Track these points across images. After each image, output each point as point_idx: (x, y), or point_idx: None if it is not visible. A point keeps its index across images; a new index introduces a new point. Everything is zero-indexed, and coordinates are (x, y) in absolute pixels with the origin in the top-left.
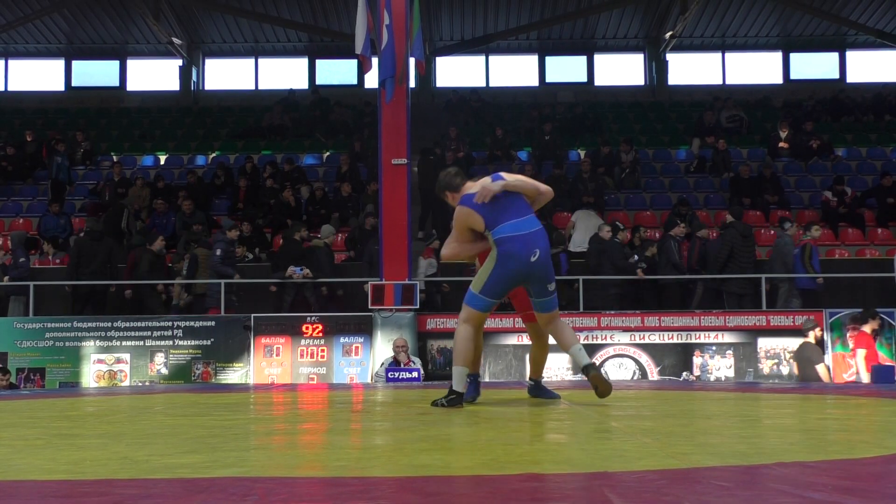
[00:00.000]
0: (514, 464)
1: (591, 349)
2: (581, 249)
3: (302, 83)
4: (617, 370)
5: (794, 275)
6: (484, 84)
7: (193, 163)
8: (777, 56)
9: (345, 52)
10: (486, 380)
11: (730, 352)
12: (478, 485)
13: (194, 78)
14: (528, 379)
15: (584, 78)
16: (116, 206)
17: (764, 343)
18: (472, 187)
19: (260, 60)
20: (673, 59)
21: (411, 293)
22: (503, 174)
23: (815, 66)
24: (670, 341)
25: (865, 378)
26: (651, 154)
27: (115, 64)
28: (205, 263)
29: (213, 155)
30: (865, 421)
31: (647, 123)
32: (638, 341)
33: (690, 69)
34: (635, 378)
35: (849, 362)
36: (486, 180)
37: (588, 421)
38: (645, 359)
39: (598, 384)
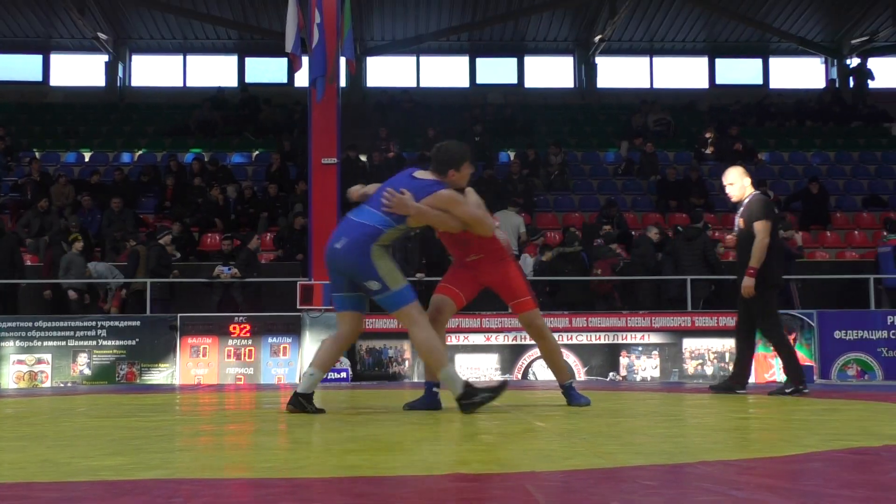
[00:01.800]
0: (442, 464)
1: (518, 350)
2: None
3: (231, 81)
4: (544, 371)
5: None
6: (415, 84)
7: (119, 160)
8: (703, 61)
9: (275, 50)
10: (415, 380)
11: (656, 352)
12: (406, 485)
13: (121, 74)
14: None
15: (514, 80)
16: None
17: (689, 343)
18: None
19: (188, 57)
20: (602, 62)
21: None
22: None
23: (739, 71)
24: (598, 342)
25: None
26: (580, 156)
27: (38, 58)
28: (144, 261)
29: (140, 152)
30: (786, 420)
31: (577, 126)
32: (566, 342)
33: (619, 73)
34: None
35: (770, 362)
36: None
37: (516, 421)
38: (573, 359)
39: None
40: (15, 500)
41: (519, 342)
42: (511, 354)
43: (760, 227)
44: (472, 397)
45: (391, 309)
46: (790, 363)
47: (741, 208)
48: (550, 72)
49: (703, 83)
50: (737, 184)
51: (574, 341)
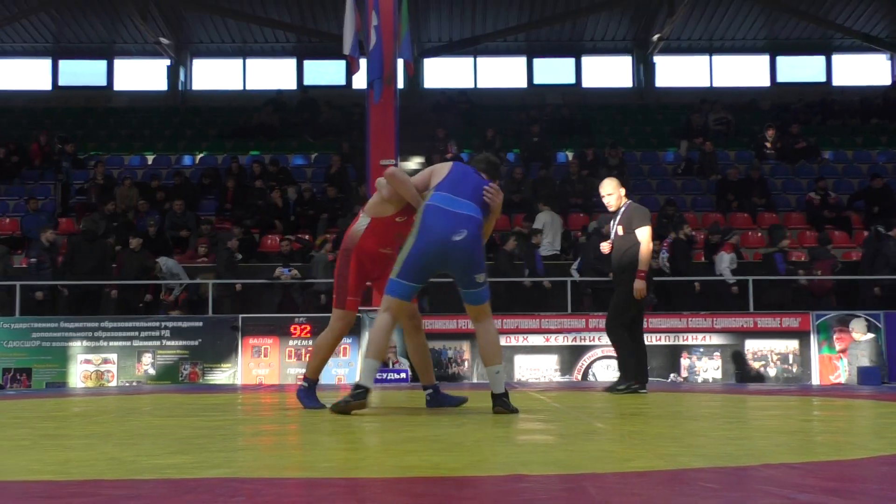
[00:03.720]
0: (503, 465)
1: (578, 350)
2: (553, 252)
3: (290, 84)
4: (604, 372)
5: (776, 278)
6: (472, 85)
7: (181, 163)
8: (764, 59)
9: (333, 52)
10: (474, 381)
11: (717, 353)
12: (465, 486)
13: (182, 78)
14: (423, 388)
15: (572, 80)
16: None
17: (751, 345)
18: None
19: (248, 61)
20: (660, 61)
21: None
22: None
23: (801, 69)
24: (658, 343)
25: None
26: (639, 156)
27: (103, 63)
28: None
29: (201, 155)
30: (852, 422)
31: (635, 125)
32: None
33: (678, 72)
34: None
35: (835, 364)
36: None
37: (575, 422)
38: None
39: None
40: (84, 496)
41: (579, 343)
42: (571, 355)
43: (643, 233)
44: (357, 395)
45: (480, 302)
46: (626, 362)
47: (618, 216)
48: (608, 71)
49: (765, 81)
50: (614, 194)
51: None
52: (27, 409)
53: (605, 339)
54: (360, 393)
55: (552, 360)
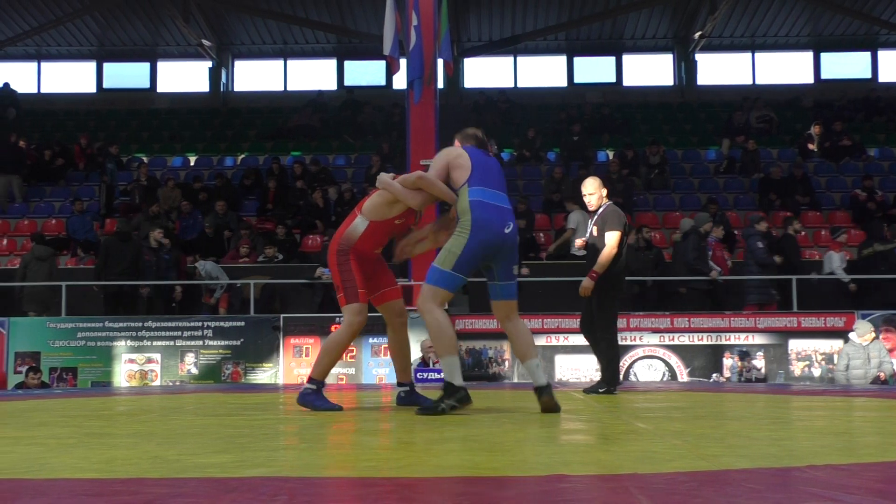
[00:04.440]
0: (543, 465)
1: (621, 349)
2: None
3: (330, 84)
4: (646, 371)
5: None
6: (512, 85)
7: (222, 164)
8: (808, 56)
9: (373, 53)
10: (515, 380)
11: (760, 353)
12: (506, 486)
13: (223, 79)
14: (396, 385)
15: (612, 78)
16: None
17: (795, 345)
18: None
19: (288, 62)
20: (702, 59)
21: None
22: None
23: (846, 65)
24: (700, 343)
25: None
26: (680, 155)
27: (146, 66)
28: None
29: (242, 156)
30: None
31: (676, 124)
32: (667, 342)
33: (720, 69)
34: (664, 379)
35: None
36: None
37: (617, 422)
38: (674, 360)
39: (548, 409)
40: (127, 494)
41: (620, 343)
42: None
43: (610, 237)
44: (461, 399)
45: (515, 296)
46: (609, 366)
47: (595, 216)
48: (649, 70)
49: (808, 78)
50: (596, 193)
51: (675, 342)
52: (73, 408)
53: (647, 339)
54: (464, 396)
55: (593, 360)
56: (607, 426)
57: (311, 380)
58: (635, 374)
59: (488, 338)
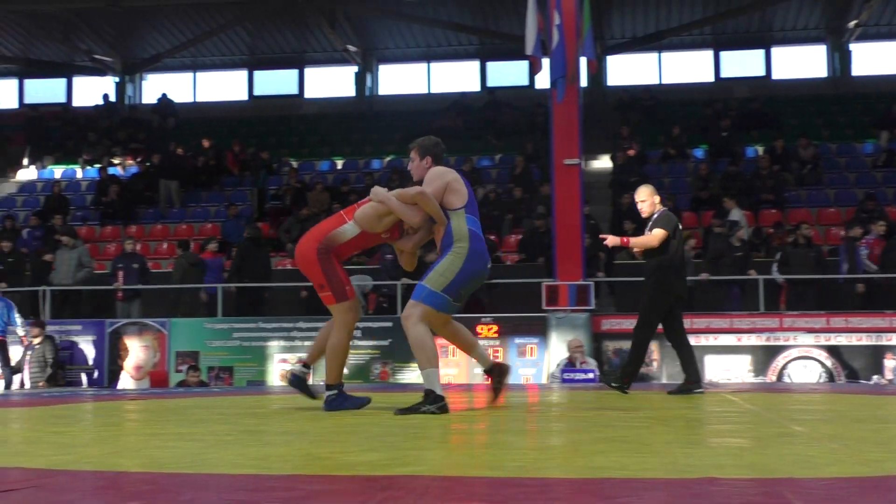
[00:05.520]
0: (695, 467)
1: (772, 351)
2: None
3: (473, 86)
4: (801, 372)
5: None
6: (656, 81)
7: (369, 166)
8: None
9: (515, 53)
10: (663, 381)
11: None
12: (657, 488)
13: (368, 83)
14: (302, 364)
15: (761, 72)
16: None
17: None
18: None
19: (432, 64)
20: (857, 49)
21: (586, 294)
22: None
23: None
24: (859, 343)
25: None
26: (834, 148)
27: (294, 73)
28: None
29: (388, 159)
30: None
31: (830, 117)
32: (823, 343)
33: (877, 59)
34: (821, 381)
35: None
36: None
37: (770, 425)
38: (831, 361)
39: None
40: (282, 490)
41: (772, 343)
42: (764, 356)
43: (655, 233)
44: (441, 407)
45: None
46: (632, 365)
47: (650, 222)
48: (800, 62)
49: None
50: (647, 201)
51: (832, 342)
52: (230, 406)
53: (801, 339)
54: (443, 405)
55: (745, 361)
56: (760, 429)
57: (329, 387)
58: (789, 375)
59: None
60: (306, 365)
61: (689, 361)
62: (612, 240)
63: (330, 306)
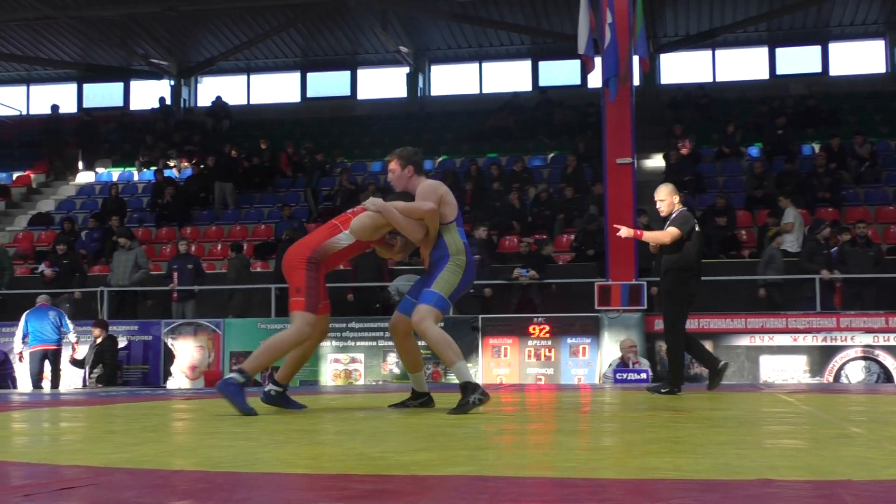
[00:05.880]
0: (749, 468)
1: (828, 351)
2: (795, 249)
3: (525, 85)
4: (859, 373)
5: None
6: (710, 79)
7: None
8: None
9: (567, 52)
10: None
11: None
12: (711, 489)
13: (420, 84)
14: (271, 383)
15: (817, 68)
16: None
17: None
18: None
19: (484, 64)
20: None
21: (638, 294)
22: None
23: None
24: None
25: None
26: (893, 146)
27: (347, 74)
28: None
29: (440, 159)
30: None
31: (890, 114)
32: (882, 343)
33: None
34: (879, 381)
35: None
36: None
37: (827, 426)
38: (890, 361)
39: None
40: (335, 490)
41: (829, 343)
42: (821, 356)
43: (669, 230)
44: (483, 395)
45: None
46: (675, 369)
47: (668, 222)
48: (858, 57)
49: None
50: (666, 200)
51: (891, 342)
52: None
53: (859, 339)
54: (483, 391)
55: (800, 361)
56: (817, 430)
57: (241, 371)
58: (846, 376)
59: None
60: (277, 383)
61: (679, 363)
62: (625, 231)
63: (294, 311)
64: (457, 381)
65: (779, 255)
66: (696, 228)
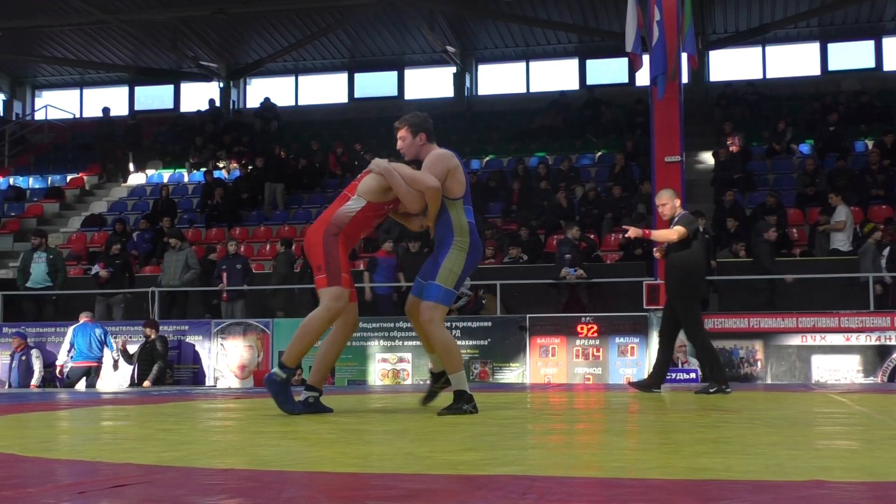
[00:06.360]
0: (801, 469)
1: (883, 351)
2: (848, 249)
3: (572, 84)
4: None
5: None
6: (760, 76)
7: (468, 167)
8: None
9: (615, 51)
10: (768, 381)
11: None
12: (762, 490)
13: (467, 84)
14: (306, 390)
15: (871, 64)
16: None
17: None
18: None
19: (531, 63)
20: None
21: None
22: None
23: None
24: None
25: None
26: None
27: (394, 74)
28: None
29: (487, 158)
30: None
31: None
32: None
33: None
34: None
35: None
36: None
37: (881, 427)
38: None
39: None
40: (382, 489)
41: (884, 342)
42: (875, 356)
43: (677, 230)
44: (474, 406)
45: None
46: (713, 365)
47: (673, 223)
48: None
49: None
50: (668, 204)
51: None
52: (331, 405)
53: None
54: (474, 404)
55: (853, 361)
56: (870, 431)
57: (282, 367)
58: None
59: (739, 337)
60: (311, 388)
61: (665, 363)
62: (633, 231)
63: (321, 290)
64: (454, 388)
65: (873, 249)
66: (701, 230)
